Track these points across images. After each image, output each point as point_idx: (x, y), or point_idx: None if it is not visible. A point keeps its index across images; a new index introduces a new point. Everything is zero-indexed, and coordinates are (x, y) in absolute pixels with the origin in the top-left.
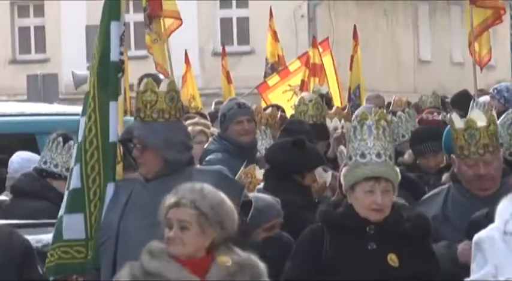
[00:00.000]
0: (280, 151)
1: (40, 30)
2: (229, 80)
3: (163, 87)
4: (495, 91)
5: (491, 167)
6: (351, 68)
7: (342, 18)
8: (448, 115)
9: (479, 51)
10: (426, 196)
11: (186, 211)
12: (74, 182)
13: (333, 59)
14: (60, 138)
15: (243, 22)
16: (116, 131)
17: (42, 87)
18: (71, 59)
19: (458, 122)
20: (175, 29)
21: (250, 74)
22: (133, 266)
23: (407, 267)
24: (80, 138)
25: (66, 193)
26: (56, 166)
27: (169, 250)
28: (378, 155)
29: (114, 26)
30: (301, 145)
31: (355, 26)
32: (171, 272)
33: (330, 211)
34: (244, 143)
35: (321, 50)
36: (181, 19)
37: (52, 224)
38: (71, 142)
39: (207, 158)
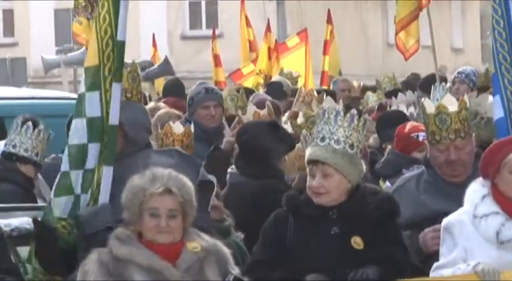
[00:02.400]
0: (256, 134)
1: (8, 13)
2: (217, 63)
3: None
4: (463, 75)
5: (462, 152)
6: (325, 53)
7: (310, 2)
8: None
9: (406, 41)
10: (398, 183)
11: (175, 200)
12: (91, 162)
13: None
14: (30, 123)
15: (212, 5)
16: (117, 113)
17: (11, 71)
18: (40, 43)
19: (430, 108)
20: None
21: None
22: (102, 252)
23: (373, 249)
24: (91, 114)
25: (79, 172)
26: (25, 150)
27: (156, 238)
28: (322, 139)
29: (123, 5)
30: (276, 128)
31: (329, 10)
32: (141, 258)
33: (294, 196)
34: (210, 128)
35: (298, 40)
36: None
37: (20, 208)
38: (41, 127)
39: None
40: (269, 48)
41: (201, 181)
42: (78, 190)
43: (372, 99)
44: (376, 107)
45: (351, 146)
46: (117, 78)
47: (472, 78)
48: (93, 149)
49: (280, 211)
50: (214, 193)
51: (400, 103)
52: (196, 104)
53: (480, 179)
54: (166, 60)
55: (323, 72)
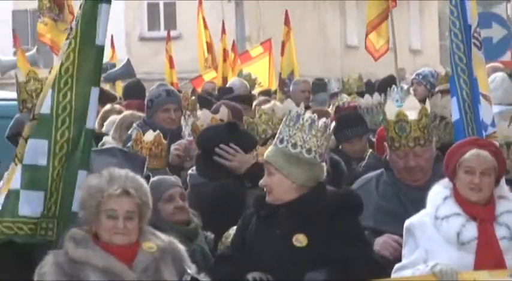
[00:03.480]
0: (214, 135)
1: None
2: (171, 64)
3: None
4: (420, 77)
5: (421, 159)
6: (282, 54)
7: (269, 2)
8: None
9: (376, 42)
10: (358, 183)
11: (132, 201)
12: (36, 158)
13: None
14: None
15: (170, 7)
16: (94, 117)
17: None
18: None
19: (390, 114)
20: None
21: (177, 58)
22: (57, 254)
23: (318, 247)
24: (45, 111)
25: (19, 167)
26: None
27: (112, 239)
28: (281, 141)
29: (104, 9)
30: (235, 129)
31: (286, 11)
32: (98, 259)
33: (261, 196)
34: (168, 131)
35: (262, 50)
36: None
37: None
38: None
39: (128, 144)
40: (224, 50)
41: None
42: (16, 184)
43: (346, 101)
44: (334, 109)
45: (294, 145)
46: (95, 83)
47: (430, 80)
48: (36, 144)
49: (248, 211)
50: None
51: (367, 105)
52: (157, 107)
53: (443, 181)
54: (128, 62)
55: (280, 74)
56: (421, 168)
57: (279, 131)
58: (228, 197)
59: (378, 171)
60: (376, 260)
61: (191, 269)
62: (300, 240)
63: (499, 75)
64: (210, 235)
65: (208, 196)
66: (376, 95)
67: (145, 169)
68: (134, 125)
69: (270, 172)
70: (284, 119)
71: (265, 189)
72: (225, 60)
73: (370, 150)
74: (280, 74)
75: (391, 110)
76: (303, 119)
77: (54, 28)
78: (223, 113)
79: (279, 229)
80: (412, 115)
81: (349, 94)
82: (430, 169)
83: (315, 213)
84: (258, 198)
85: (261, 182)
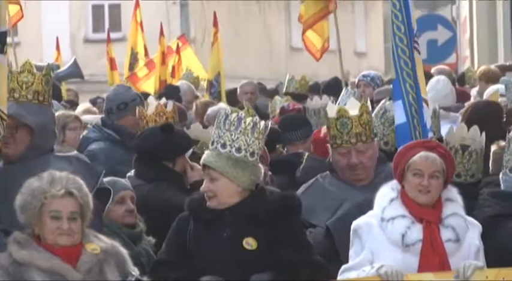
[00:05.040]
0: (149, 137)
1: None
2: (113, 66)
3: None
4: (368, 78)
5: (364, 156)
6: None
7: (213, 4)
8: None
9: (317, 42)
10: (305, 186)
11: (75, 202)
12: None
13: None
14: None
15: (115, 9)
16: None
17: None
18: None
19: (331, 112)
20: (17, 22)
21: (123, 61)
22: (1, 256)
23: (267, 249)
24: None
25: None
26: None
27: (57, 240)
28: (212, 143)
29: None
30: (169, 130)
31: (215, 13)
32: (42, 261)
33: (196, 200)
34: (134, 135)
35: (180, 44)
36: (22, 10)
37: None
38: None
39: (89, 148)
40: (163, 52)
41: (98, 189)
42: None
43: (279, 104)
44: (279, 110)
45: (238, 149)
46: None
47: (377, 82)
48: None
49: (183, 214)
50: (109, 201)
51: (315, 107)
52: (130, 110)
53: (391, 183)
54: (75, 63)
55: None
56: (363, 166)
57: (216, 136)
58: (161, 197)
59: (323, 173)
60: (318, 262)
61: (135, 271)
62: (250, 243)
63: (437, 77)
64: (152, 240)
65: (143, 197)
66: (325, 97)
67: (101, 178)
68: (90, 127)
69: (212, 177)
70: (221, 124)
71: (206, 194)
72: (163, 62)
73: (307, 153)
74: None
75: (332, 108)
76: (245, 122)
77: None
78: (170, 103)
79: (227, 232)
80: (353, 111)
81: (290, 94)
82: (373, 168)
83: (261, 216)
84: (193, 202)
85: (202, 188)
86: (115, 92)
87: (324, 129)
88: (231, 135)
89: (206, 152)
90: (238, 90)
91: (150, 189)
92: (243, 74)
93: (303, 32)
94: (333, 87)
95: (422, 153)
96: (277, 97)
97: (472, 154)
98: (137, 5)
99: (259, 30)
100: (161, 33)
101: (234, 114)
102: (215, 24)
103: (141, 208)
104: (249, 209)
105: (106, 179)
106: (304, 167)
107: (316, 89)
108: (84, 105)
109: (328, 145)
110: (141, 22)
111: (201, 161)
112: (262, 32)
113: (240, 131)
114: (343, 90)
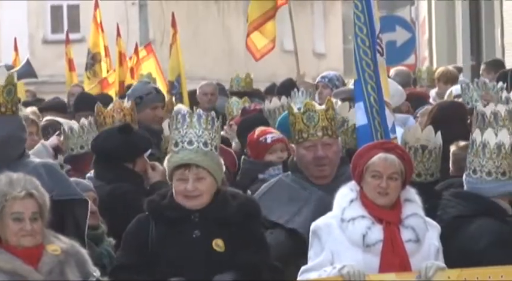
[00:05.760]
0: (108, 138)
1: None
2: (71, 67)
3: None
4: (326, 79)
5: (330, 151)
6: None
7: (172, 5)
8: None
9: (258, 41)
10: (265, 187)
11: (36, 202)
12: None
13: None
14: None
15: (73, 10)
16: None
17: None
18: None
19: (297, 107)
20: None
21: (81, 62)
22: None
23: (233, 251)
24: None
25: None
26: None
27: (20, 241)
28: (190, 142)
29: None
30: (128, 131)
31: (173, 13)
32: (3, 262)
33: (156, 201)
34: (154, 129)
35: (145, 53)
36: None
37: None
38: None
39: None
40: (120, 53)
41: (78, 200)
42: None
43: (237, 106)
44: (240, 111)
45: (216, 148)
46: None
47: (336, 83)
48: None
49: (141, 215)
50: (88, 212)
51: (271, 108)
52: (146, 104)
53: (350, 184)
54: (28, 62)
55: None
56: (329, 161)
57: (180, 134)
58: (122, 198)
59: (284, 173)
60: (276, 265)
61: (96, 272)
62: (219, 245)
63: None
64: (112, 241)
65: (103, 198)
66: (283, 98)
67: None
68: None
69: (200, 177)
70: (181, 122)
71: (188, 194)
72: (121, 64)
73: (243, 156)
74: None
75: (296, 104)
76: (205, 118)
77: None
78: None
79: (196, 233)
80: (319, 106)
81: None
82: (336, 165)
83: (229, 218)
84: (152, 203)
85: (189, 188)
86: (133, 88)
87: (257, 130)
88: (209, 134)
89: (181, 151)
90: (197, 91)
91: (110, 190)
92: (202, 74)
93: (248, 34)
94: (287, 88)
95: (381, 154)
96: (234, 98)
97: (431, 152)
98: (96, 5)
99: (218, 31)
100: (118, 34)
101: (183, 113)
102: (173, 25)
103: (102, 209)
104: (217, 210)
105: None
106: (241, 170)
107: (272, 90)
108: (31, 108)
109: (292, 145)
110: (100, 23)
111: (183, 161)
112: (221, 33)
113: (215, 130)
114: (293, 93)
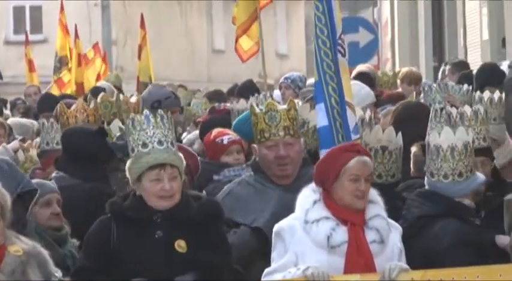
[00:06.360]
0: (88, 138)
1: None
2: (31, 68)
3: None
4: (289, 80)
5: (291, 150)
6: (139, 58)
7: (135, 6)
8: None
9: (245, 44)
10: (227, 189)
11: None
12: None
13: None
14: None
15: (36, 11)
16: None
17: None
18: None
19: (259, 107)
20: None
21: (43, 63)
22: None
23: (195, 252)
24: None
25: None
26: None
27: None
28: (160, 142)
29: None
30: (104, 134)
31: (142, 15)
32: None
33: (117, 203)
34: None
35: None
36: None
37: None
38: None
39: None
40: (79, 54)
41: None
42: None
43: (201, 107)
44: (208, 110)
45: (172, 143)
46: None
47: (298, 84)
48: None
49: (103, 217)
50: (34, 200)
51: (238, 109)
52: (164, 109)
53: (311, 185)
54: None
55: (137, 78)
56: (291, 160)
57: (132, 139)
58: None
59: (247, 173)
60: (237, 269)
61: (57, 272)
62: (181, 245)
63: None
64: (76, 242)
65: (85, 196)
66: (251, 98)
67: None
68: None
69: (174, 176)
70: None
71: (164, 194)
72: (79, 64)
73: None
74: (138, 77)
75: (259, 105)
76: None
77: None
78: (93, 102)
79: (158, 234)
80: (280, 106)
81: None
82: (298, 165)
83: (192, 219)
84: (114, 205)
85: (167, 187)
86: (148, 92)
87: (214, 131)
88: (168, 133)
89: (154, 152)
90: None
91: (91, 188)
92: (164, 76)
93: (238, 37)
94: (248, 90)
95: (359, 158)
96: (194, 100)
97: (392, 153)
98: (62, 8)
99: (181, 33)
100: (76, 35)
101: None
102: (142, 26)
103: (79, 206)
104: (180, 211)
105: (33, 181)
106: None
107: (234, 91)
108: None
109: (254, 145)
110: (66, 25)
111: (158, 161)
112: (184, 34)
113: (153, 126)
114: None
